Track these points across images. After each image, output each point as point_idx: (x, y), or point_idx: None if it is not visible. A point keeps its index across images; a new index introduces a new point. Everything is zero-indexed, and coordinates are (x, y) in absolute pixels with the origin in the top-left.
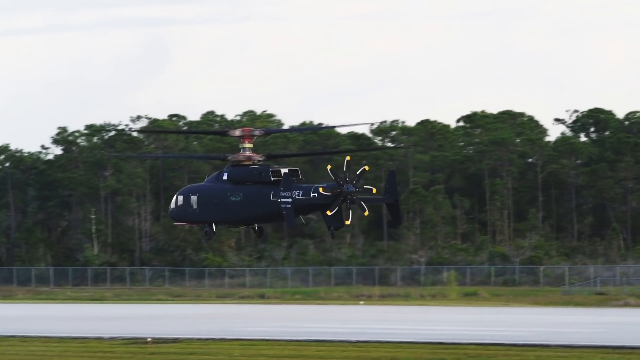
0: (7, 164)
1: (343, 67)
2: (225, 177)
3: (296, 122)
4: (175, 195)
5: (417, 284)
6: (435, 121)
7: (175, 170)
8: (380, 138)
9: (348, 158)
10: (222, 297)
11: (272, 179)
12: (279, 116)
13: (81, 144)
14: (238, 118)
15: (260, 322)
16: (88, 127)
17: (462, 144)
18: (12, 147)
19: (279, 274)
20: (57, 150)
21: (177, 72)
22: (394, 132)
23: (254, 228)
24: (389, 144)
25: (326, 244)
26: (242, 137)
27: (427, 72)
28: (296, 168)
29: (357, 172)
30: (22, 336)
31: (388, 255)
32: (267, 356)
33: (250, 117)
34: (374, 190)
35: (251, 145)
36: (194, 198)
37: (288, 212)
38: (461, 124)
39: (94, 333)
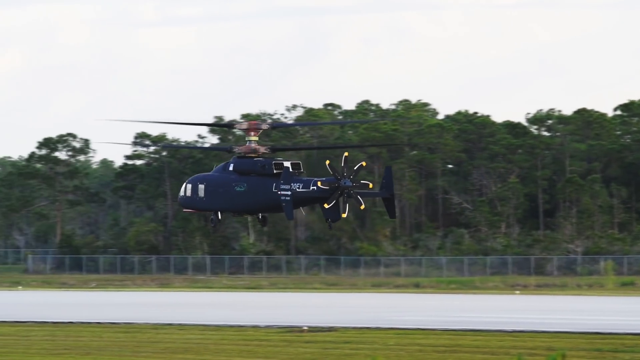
0: (164, 153)
1: (499, 56)
2: (231, 168)
3: (451, 111)
4: (184, 184)
5: (574, 274)
6: (592, 110)
7: (331, 159)
8: (536, 127)
9: (346, 154)
10: (377, 286)
11: (274, 171)
12: (434, 105)
13: (237, 133)
14: (393, 107)
15: (415, 311)
16: (244, 116)
17: (619, 132)
18: (169, 136)
19: (434, 264)
20: (214, 139)
21: (333, 61)
22: (550, 121)
23: (257, 217)
24: (545, 133)
25: (482, 233)
26: (248, 130)
27: (584, 60)
28: (298, 161)
29: (355, 168)
30: (180, 324)
31: (544, 245)
32: (422, 345)
33: (405, 106)
34: (370, 185)
35: (257, 138)
36: (201, 187)
37: (287, 204)
38: (618, 112)
39: (250, 321)
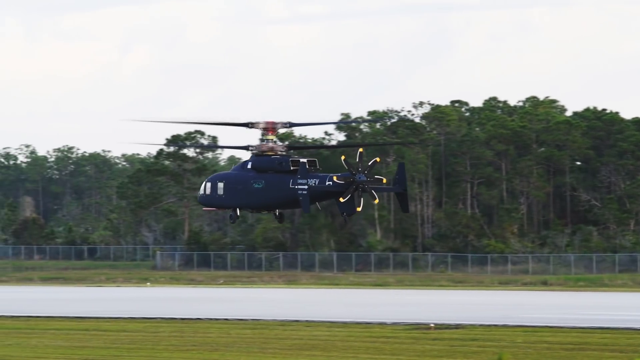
0: (292, 152)
1: (628, 52)
2: (249, 166)
3: (579, 108)
4: (204, 183)
5: None
6: None
7: (458, 156)
8: None
9: (361, 150)
10: (504, 284)
11: (291, 168)
12: (562, 102)
13: (364, 130)
14: (520, 104)
15: (543, 308)
16: (371, 113)
17: None
18: (296, 133)
19: (562, 261)
20: (340, 137)
21: (460, 58)
22: None
23: (275, 213)
24: None
25: (610, 231)
26: (266, 129)
27: None
28: (314, 158)
29: (369, 163)
30: (307, 321)
31: None
32: (550, 343)
33: (532, 103)
34: (384, 180)
35: (274, 137)
36: (220, 185)
37: (304, 198)
38: None
39: (377, 318)
